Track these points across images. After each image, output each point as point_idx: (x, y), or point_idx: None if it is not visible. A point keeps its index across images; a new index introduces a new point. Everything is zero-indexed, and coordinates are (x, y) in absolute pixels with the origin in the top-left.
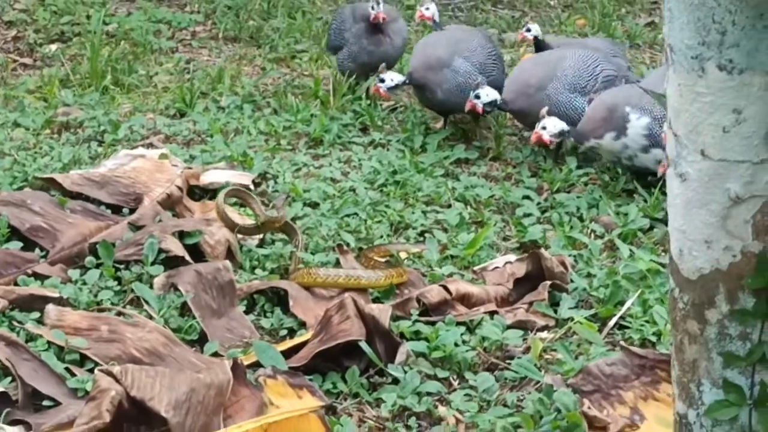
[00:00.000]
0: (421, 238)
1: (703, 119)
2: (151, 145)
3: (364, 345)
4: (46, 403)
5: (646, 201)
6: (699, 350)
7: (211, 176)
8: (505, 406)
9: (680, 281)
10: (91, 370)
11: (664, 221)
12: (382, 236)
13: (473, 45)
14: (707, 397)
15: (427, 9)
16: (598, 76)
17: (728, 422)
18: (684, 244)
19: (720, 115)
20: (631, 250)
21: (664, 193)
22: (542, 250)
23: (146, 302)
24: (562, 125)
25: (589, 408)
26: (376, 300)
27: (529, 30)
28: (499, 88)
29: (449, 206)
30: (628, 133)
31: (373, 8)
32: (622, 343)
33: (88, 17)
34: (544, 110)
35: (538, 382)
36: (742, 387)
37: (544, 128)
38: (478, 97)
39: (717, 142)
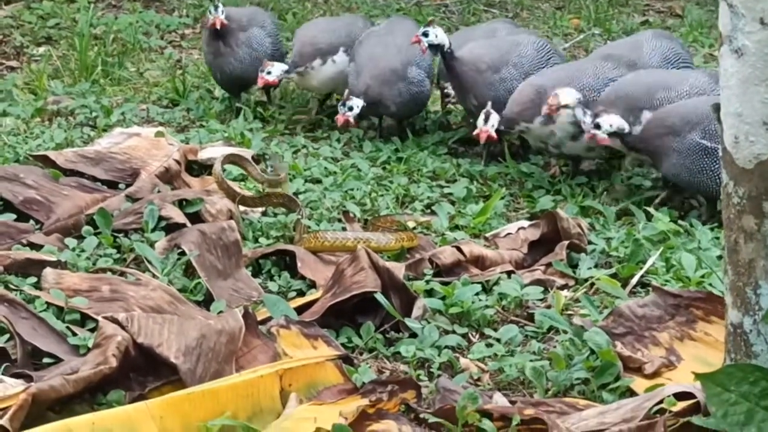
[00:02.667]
0: (428, 211)
1: None
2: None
3: (379, 296)
4: (46, 360)
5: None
6: (756, 248)
7: (209, 152)
8: (532, 353)
9: (735, 173)
10: (92, 330)
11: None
12: (388, 207)
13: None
14: (765, 301)
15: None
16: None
17: None
18: (740, 129)
19: None
20: (647, 215)
21: None
22: (558, 210)
23: (149, 262)
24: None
25: (622, 349)
26: None
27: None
28: None
29: (455, 181)
30: (557, 120)
31: (210, 12)
32: (655, 283)
33: (75, 21)
34: (489, 105)
35: (565, 332)
36: None
37: (492, 126)
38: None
39: None
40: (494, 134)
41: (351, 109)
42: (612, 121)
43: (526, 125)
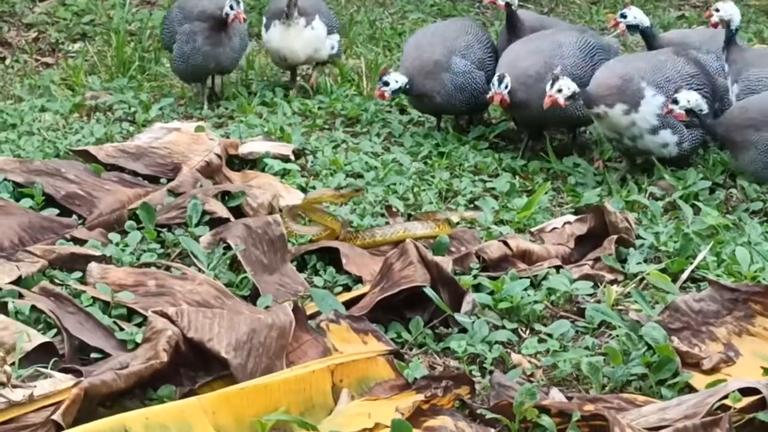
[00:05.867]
0: (471, 206)
1: None
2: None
3: (429, 291)
4: (94, 355)
5: (704, 165)
6: None
7: (250, 146)
8: (586, 349)
9: None
10: (139, 325)
11: (725, 185)
12: (431, 202)
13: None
14: None
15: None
16: (596, 65)
17: None
18: None
19: None
20: (695, 209)
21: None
22: (606, 204)
23: (195, 257)
24: (575, 87)
25: (679, 344)
26: None
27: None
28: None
29: (497, 176)
30: (640, 110)
31: (232, 8)
32: (711, 276)
33: (110, 17)
34: (558, 69)
35: (617, 328)
36: None
37: (559, 91)
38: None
39: None
40: (562, 101)
41: (387, 84)
42: (690, 97)
43: (606, 110)
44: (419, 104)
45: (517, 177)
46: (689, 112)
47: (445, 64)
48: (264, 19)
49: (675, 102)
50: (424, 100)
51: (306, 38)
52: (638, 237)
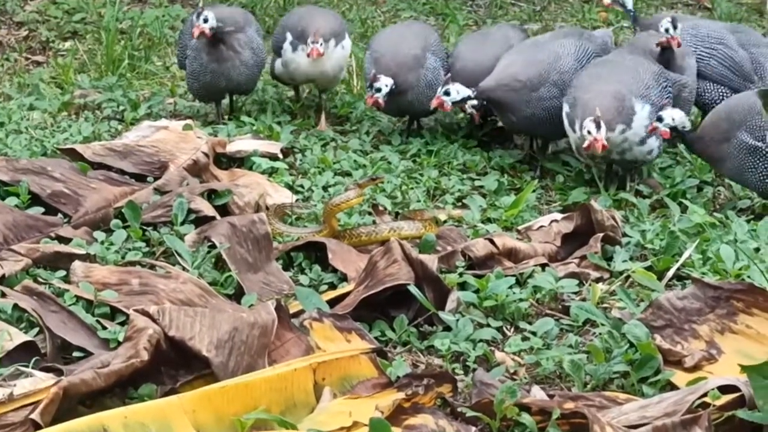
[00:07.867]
0: (459, 204)
1: None
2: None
3: (413, 288)
4: (76, 354)
5: (692, 163)
6: None
7: (238, 145)
8: (569, 347)
9: None
10: (122, 323)
11: (713, 183)
12: (419, 200)
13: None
14: None
15: None
16: None
17: None
18: None
19: None
20: (683, 207)
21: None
22: (592, 202)
23: (179, 255)
24: (467, 92)
25: (661, 342)
26: None
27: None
28: None
29: (485, 174)
30: (633, 126)
31: (192, 22)
32: (694, 274)
33: (101, 15)
34: (448, 75)
35: (602, 326)
36: None
37: (447, 94)
38: (447, 93)
39: None
40: (606, 143)
41: (379, 90)
42: (674, 114)
43: (610, 134)
44: (389, 103)
45: (506, 175)
46: (673, 129)
47: (421, 60)
48: (289, 37)
49: (659, 120)
50: (397, 98)
51: (336, 58)
52: (625, 235)
